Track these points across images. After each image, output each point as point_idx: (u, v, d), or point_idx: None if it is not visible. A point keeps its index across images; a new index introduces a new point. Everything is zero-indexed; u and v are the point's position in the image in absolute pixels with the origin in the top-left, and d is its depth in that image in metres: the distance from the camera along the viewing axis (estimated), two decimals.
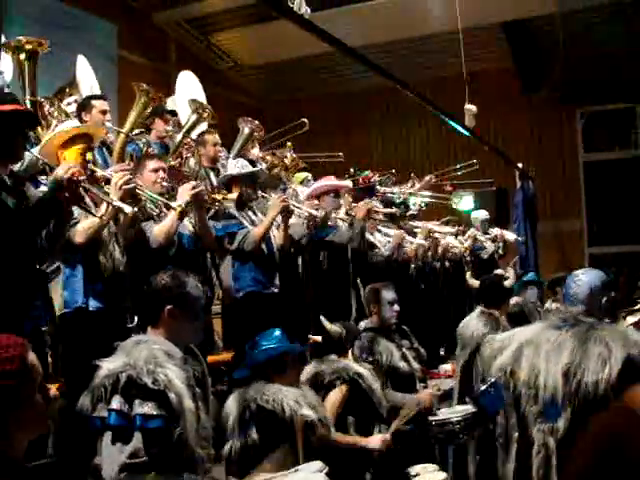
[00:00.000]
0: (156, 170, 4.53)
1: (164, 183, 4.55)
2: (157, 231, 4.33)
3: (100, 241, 3.94)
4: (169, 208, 4.27)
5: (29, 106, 4.79)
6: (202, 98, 6.84)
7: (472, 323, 5.36)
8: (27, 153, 3.75)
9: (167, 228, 4.32)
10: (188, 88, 7.01)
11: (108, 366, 2.68)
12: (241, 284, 5.17)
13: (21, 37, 4.94)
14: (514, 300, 6.23)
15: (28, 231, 3.28)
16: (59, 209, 3.33)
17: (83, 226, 3.81)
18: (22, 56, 4.89)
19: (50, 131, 4.61)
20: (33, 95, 4.88)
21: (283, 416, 3.43)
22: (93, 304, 3.93)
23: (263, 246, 5.20)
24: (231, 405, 3.53)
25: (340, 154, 8.16)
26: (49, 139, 4.08)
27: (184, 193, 4.44)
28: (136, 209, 3.87)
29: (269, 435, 3.43)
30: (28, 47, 4.90)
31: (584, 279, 3.56)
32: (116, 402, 2.63)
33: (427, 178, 9.79)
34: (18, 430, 1.71)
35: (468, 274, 8.75)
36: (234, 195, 5.22)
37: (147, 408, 2.62)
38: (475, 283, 7.23)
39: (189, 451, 2.70)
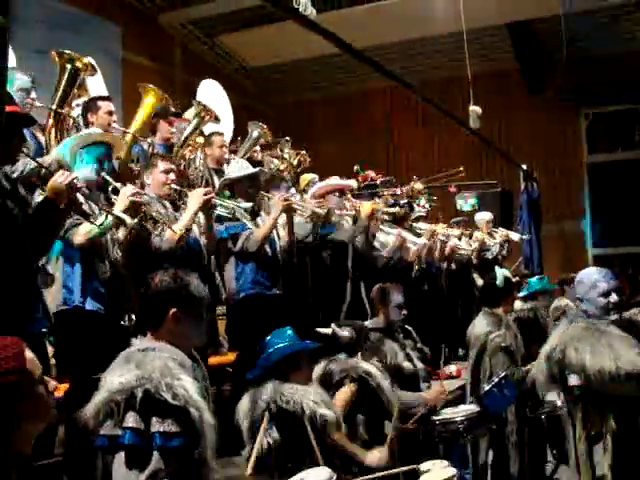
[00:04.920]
0: (167, 172, 4.61)
1: (173, 185, 4.62)
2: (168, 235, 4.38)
3: (100, 245, 3.98)
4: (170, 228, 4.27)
5: (52, 115, 4.86)
6: (226, 105, 6.89)
7: (478, 324, 5.38)
8: (28, 159, 3.79)
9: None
10: (210, 97, 7.06)
11: (119, 380, 2.45)
12: (243, 286, 5.17)
13: (73, 53, 4.98)
14: (528, 305, 6.18)
15: (30, 239, 3.28)
16: (58, 215, 3.34)
17: (85, 229, 3.86)
18: (68, 67, 4.93)
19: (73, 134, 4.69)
20: (60, 107, 4.91)
21: (302, 416, 3.36)
22: (90, 305, 3.94)
23: (267, 247, 5.19)
24: (246, 407, 3.44)
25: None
26: (72, 140, 4.17)
27: (195, 198, 4.50)
28: (135, 221, 3.89)
29: (289, 435, 3.36)
30: (78, 64, 4.94)
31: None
32: (132, 420, 2.42)
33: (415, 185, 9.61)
34: (23, 422, 1.77)
35: (476, 275, 8.71)
36: (248, 205, 5.19)
37: (167, 426, 2.43)
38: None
39: (207, 468, 2.54)
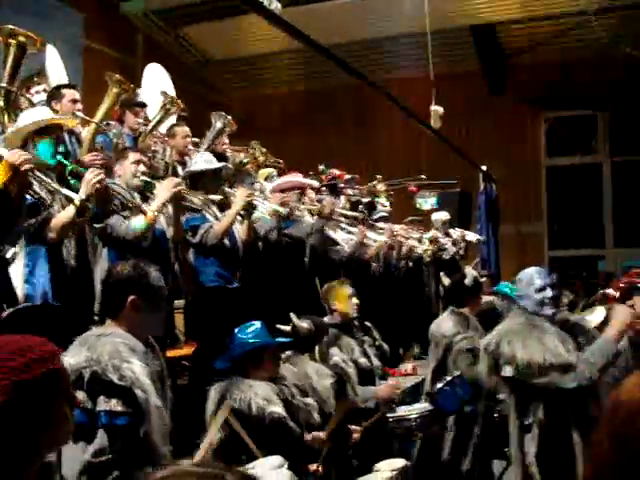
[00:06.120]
0: (137, 163, 4.63)
1: (142, 177, 4.61)
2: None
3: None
4: (141, 211, 4.21)
5: (2, 94, 4.68)
6: (171, 90, 6.81)
7: (443, 323, 5.39)
8: None
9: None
10: (156, 81, 6.97)
11: (69, 361, 2.52)
12: (203, 278, 5.14)
13: (15, 27, 4.83)
14: (486, 299, 6.25)
15: None
16: (7, 196, 3.28)
17: (58, 223, 3.77)
18: (12, 43, 4.78)
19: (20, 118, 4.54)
20: (10, 84, 4.76)
21: (249, 414, 3.39)
22: (53, 299, 3.89)
23: (226, 241, 5.15)
24: (210, 399, 3.49)
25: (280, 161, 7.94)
26: (22, 127, 4.03)
27: (165, 189, 4.47)
28: (83, 197, 3.73)
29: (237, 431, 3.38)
30: (21, 39, 4.79)
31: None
32: (79, 398, 2.47)
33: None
34: (44, 450, 1.57)
35: (442, 274, 8.76)
36: (217, 197, 5.15)
37: (112, 405, 2.55)
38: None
39: (153, 449, 2.63)
